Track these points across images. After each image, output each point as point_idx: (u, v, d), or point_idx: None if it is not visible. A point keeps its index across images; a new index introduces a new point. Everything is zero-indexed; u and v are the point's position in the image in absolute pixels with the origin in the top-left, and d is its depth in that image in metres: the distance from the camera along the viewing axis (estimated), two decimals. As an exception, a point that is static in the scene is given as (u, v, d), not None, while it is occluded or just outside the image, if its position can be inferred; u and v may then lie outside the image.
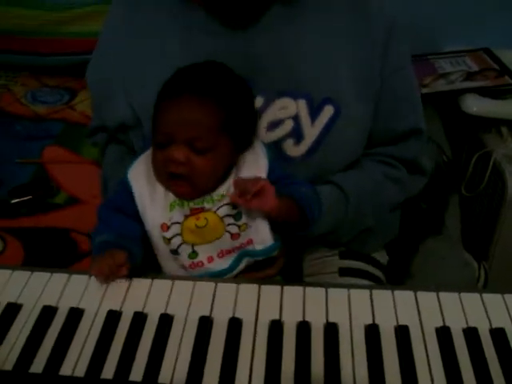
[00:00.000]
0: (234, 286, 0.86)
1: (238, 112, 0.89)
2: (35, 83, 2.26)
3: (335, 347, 0.76)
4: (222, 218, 0.88)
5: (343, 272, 1.06)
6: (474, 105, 1.59)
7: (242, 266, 0.93)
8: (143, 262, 0.91)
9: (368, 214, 1.04)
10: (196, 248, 0.89)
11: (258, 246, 0.91)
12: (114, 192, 0.97)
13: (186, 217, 0.88)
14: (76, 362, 0.75)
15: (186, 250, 0.89)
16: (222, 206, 0.88)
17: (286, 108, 0.96)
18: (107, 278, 0.86)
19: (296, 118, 0.96)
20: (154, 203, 0.89)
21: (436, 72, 1.75)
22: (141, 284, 0.86)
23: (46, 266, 0.92)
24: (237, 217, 0.89)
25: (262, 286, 0.85)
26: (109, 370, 0.74)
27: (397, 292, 0.84)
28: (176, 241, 0.89)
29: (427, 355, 0.76)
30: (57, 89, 2.21)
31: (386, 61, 0.98)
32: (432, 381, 0.72)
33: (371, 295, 0.84)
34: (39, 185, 1.69)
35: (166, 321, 0.80)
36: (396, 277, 1.20)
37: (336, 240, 1.06)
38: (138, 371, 0.73)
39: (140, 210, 0.90)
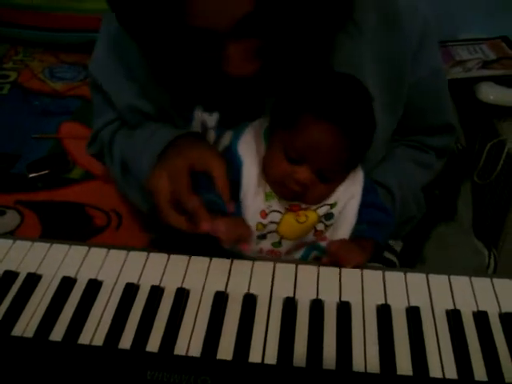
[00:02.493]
0: (249, 263, 0.87)
1: (367, 146, 0.89)
2: (52, 59, 2.27)
3: (347, 326, 0.78)
4: (319, 217, 0.90)
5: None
6: (490, 93, 1.59)
7: (310, 257, 0.94)
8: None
9: (410, 203, 1.05)
10: (282, 240, 0.91)
11: None
12: None
13: (287, 210, 0.89)
14: (94, 331, 0.77)
15: (273, 238, 0.91)
16: (322, 206, 0.90)
17: None
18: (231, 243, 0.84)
19: None
20: (259, 187, 0.89)
21: (453, 59, 1.74)
22: (158, 259, 0.88)
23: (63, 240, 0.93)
24: (329, 216, 0.91)
25: (277, 264, 0.87)
26: (126, 341, 0.76)
27: (409, 274, 0.86)
28: (270, 227, 0.89)
29: (437, 336, 0.77)
30: (74, 65, 2.22)
31: (418, 65, 0.96)
32: (441, 361, 0.74)
33: (384, 277, 0.85)
34: (56, 160, 1.72)
35: (182, 295, 0.81)
36: (408, 262, 1.21)
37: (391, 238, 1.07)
38: (154, 342, 0.75)
39: (243, 189, 0.89)
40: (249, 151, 0.90)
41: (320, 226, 0.91)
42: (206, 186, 0.86)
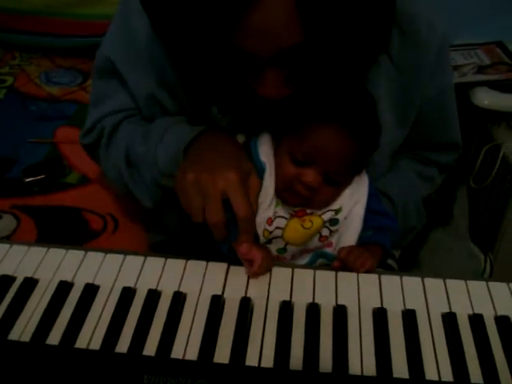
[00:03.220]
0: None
1: (374, 149, 0.91)
2: (49, 64, 2.27)
3: (344, 329, 0.78)
4: (324, 222, 0.90)
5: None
6: (485, 98, 1.60)
7: (317, 263, 0.94)
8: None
9: (411, 213, 1.06)
10: (287, 246, 0.91)
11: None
12: None
13: (292, 216, 0.89)
14: (91, 335, 0.77)
15: (278, 244, 0.91)
16: (327, 212, 0.90)
17: None
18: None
19: None
20: (271, 195, 0.89)
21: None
22: (155, 262, 0.88)
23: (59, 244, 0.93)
24: (334, 222, 0.91)
25: (274, 268, 0.87)
26: (123, 344, 0.76)
27: (405, 278, 0.86)
28: (275, 233, 0.90)
29: (433, 339, 0.77)
30: (70, 70, 2.22)
31: (431, 83, 0.96)
32: (437, 364, 0.74)
33: (380, 280, 0.86)
34: (52, 164, 1.71)
35: (178, 299, 0.82)
36: (404, 267, 1.22)
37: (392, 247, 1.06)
38: (151, 346, 0.75)
39: (261, 196, 0.88)
40: (269, 158, 0.90)
41: (325, 232, 0.92)
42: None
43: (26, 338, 0.77)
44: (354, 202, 0.92)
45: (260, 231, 0.89)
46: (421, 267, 1.35)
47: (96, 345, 0.76)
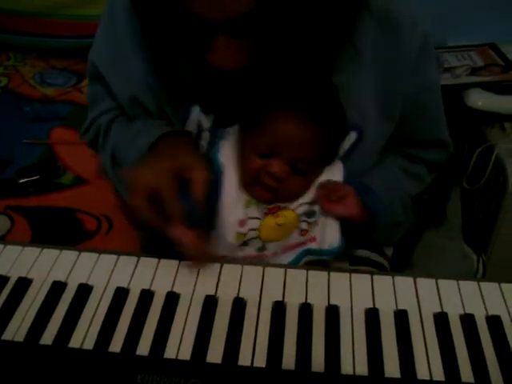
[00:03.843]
0: (238, 267, 0.87)
1: (340, 138, 0.91)
2: (43, 65, 2.27)
3: (336, 329, 0.78)
4: (299, 216, 0.90)
5: (352, 261, 1.09)
6: (479, 99, 1.60)
7: (303, 261, 0.94)
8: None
9: (396, 207, 1.05)
10: (267, 244, 0.91)
11: (325, 246, 0.92)
12: None
13: (266, 214, 0.89)
14: (85, 335, 0.77)
15: (256, 244, 0.91)
16: (301, 205, 0.89)
17: None
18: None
19: None
20: (239, 197, 0.89)
21: (441, 66, 1.75)
22: (148, 263, 0.88)
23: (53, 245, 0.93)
24: (310, 214, 0.90)
25: (266, 268, 0.87)
26: (117, 344, 0.76)
27: (397, 278, 0.86)
28: (250, 235, 0.89)
29: (425, 339, 0.78)
30: (64, 71, 2.23)
31: (415, 79, 0.96)
32: (429, 364, 0.75)
33: (372, 280, 0.86)
34: (46, 165, 1.72)
35: (172, 299, 0.82)
36: (397, 267, 1.22)
37: (375, 239, 1.07)
38: (144, 346, 0.76)
39: (223, 199, 0.88)
40: (230, 159, 0.89)
41: (304, 225, 0.91)
42: (184, 192, 0.85)
43: (20, 337, 0.77)
44: None
45: (231, 235, 0.88)
46: (414, 267, 1.36)
47: (89, 344, 0.76)
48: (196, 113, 0.96)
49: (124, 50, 0.96)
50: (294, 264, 0.94)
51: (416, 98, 0.98)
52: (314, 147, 0.84)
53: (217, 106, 0.95)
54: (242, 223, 0.88)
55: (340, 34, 0.84)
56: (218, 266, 0.88)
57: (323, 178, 0.91)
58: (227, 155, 0.90)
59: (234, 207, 0.88)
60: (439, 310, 0.82)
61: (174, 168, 0.84)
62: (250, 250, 0.91)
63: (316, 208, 0.90)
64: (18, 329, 0.78)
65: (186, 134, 0.96)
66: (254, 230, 0.89)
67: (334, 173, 0.92)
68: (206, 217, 0.87)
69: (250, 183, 0.87)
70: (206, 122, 0.96)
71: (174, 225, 0.82)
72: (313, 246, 0.93)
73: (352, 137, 0.95)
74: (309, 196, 0.90)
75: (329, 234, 0.92)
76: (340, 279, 0.86)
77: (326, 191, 0.87)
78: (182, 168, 0.85)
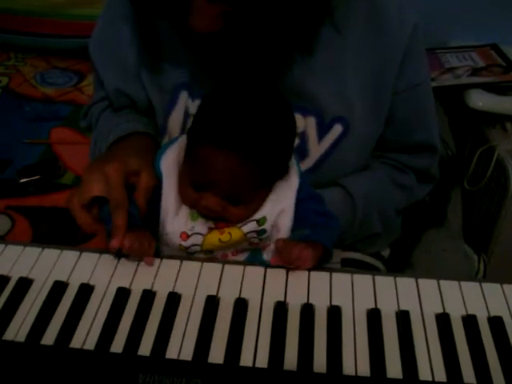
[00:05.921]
0: (240, 267, 0.87)
1: (282, 165, 0.87)
2: (44, 65, 2.27)
3: (338, 329, 0.78)
4: (245, 234, 0.88)
5: (345, 263, 1.08)
6: (480, 100, 1.60)
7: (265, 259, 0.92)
8: None
9: (375, 219, 1.03)
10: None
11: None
12: None
13: (210, 229, 0.87)
14: (86, 335, 0.77)
15: (201, 253, 0.90)
16: (247, 223, 0.87)
17: None
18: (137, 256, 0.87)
19: (303, 135, 0.95)
20: (180, 209, 0.88)
21: (443, 66, 1.76)
22: (150, 263, 0.88)
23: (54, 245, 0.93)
24: (260, 232, 0.88)
25: (268, 269, 0.87)
26: (118, 344, 0.76)
27: (399, 279, 0.86)
28: (193, 249, 0.88)
29: (426, 340, 0.78)
30: (65, 71, 2.23)
31: (402, 77, 0.95)
32: (431, 365, 0.74)
33: (374, 281, 0.86)
34: (47, 165, 1.71)
35: (173, 299, 0.82)
36: (397, 268, 1.22)
37: (340, 241, 1.05)
38: (146, 346, 0.75)
39: (163, 209, 0.87)
40: (171, 169, 0.88)
41: (254, 240, 0.90)
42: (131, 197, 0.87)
43: (21, 338, 0.77)
44: (278, 211, 0.88)
45: (174, 242, 0.88)
46: (414, 268, 1.35)
47: (91, 345, 0.76)
48: (184, 98, 0.97)
49: (115, 38, 0.99)
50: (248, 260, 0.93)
51: (405, 96, 0.97)
52: (246, 182, 0.82)
53: (204, 88, 0.93)
54: (184, 236, 0.87)
55: (318, 9, 0.85)
56: (219, 266, 0.87)
57: (278, 192, 0.88)
58: (168, 165, 0.88)
59: (175, 219, 0.87)
60: (441, 311, 0.82)
61: (123, 172, 0.85)
62: (199, 255, 0.90)
63: (267, 226, 0.88)
64: (19, 329, 0.78)
65: (149, 135, 0.98)
66: (197, 245, 0.88)
67: (286, 191, 0.89)
68: (147, 223, 0.89)
69: (189, 206, 0.87)
70: (193, 108, 0.96)
71: (114, 236, 0.83)
72: (264, 255, 0.92)
73: (337, 130, 0.94)
74: (260, 214, 0.87)
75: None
76: (342, 279, 0.86)
77: (282, 262, 0.86)
78: (130, 172, 0.87)
